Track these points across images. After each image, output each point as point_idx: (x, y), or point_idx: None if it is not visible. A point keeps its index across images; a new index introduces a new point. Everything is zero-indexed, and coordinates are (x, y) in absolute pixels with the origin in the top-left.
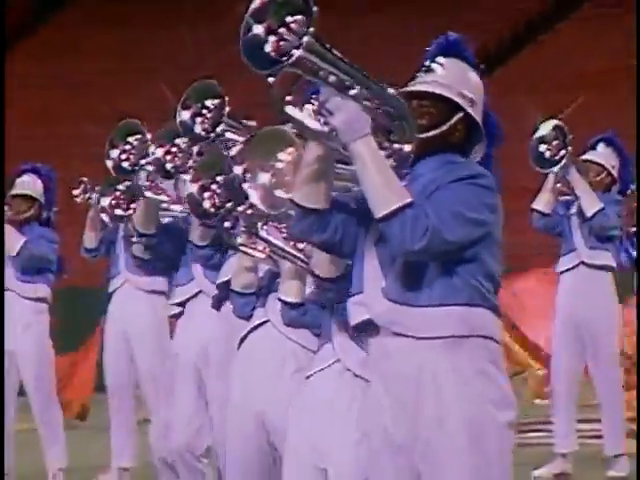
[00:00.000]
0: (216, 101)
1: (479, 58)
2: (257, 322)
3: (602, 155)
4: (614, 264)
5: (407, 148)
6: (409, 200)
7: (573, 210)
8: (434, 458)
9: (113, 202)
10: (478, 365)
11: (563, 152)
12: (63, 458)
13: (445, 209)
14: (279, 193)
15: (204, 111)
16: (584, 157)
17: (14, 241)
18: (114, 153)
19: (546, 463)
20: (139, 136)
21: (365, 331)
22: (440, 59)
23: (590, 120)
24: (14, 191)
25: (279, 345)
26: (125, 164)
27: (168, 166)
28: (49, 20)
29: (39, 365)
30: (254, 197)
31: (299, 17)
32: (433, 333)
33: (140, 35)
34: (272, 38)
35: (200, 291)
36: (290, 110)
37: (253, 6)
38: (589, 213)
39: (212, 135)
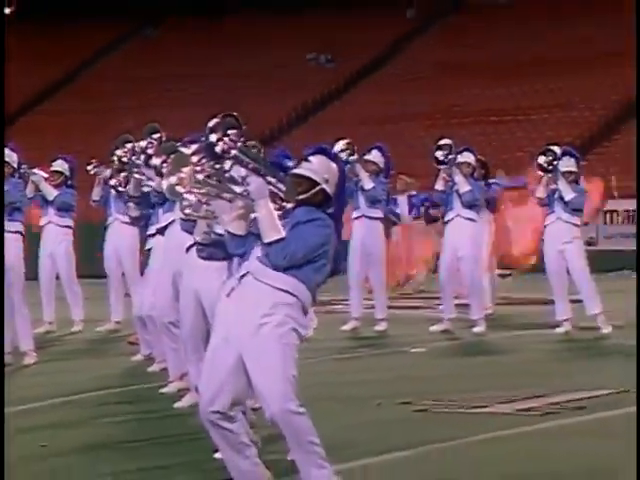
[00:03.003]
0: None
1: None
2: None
3: (374, 156)
4: (382, 216)
5: (289, 205)
6: (282, 235)
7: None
8: (255, 347)
9: (117, 182)
10: (292, 304)
11: (350, 158)
12: (82, 314)
13: (300, 239)
14: (179, 188)
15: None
16: (365, 157)
17: (51, 192)
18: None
19: (347, 322)
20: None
21: (243, 277)
22: (313, 156)
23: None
24: (52, 168)
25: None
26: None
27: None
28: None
29: (68, 261)
30: (164, 185)
31: (234, 130)
32: (275, 284)
33: None
34: (220, 143)
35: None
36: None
37: (210, 124)
38: (366, 187)
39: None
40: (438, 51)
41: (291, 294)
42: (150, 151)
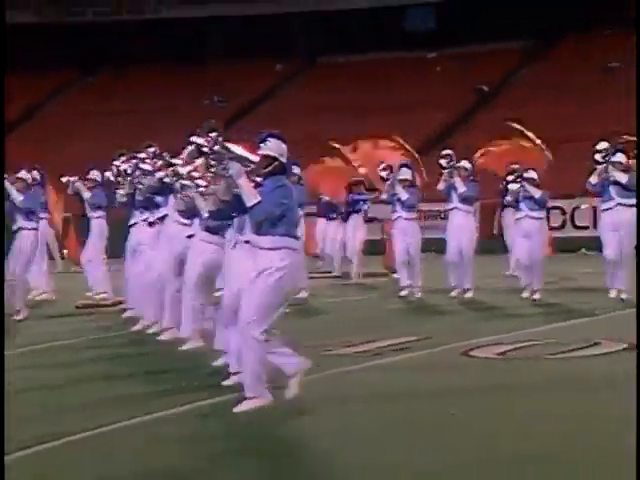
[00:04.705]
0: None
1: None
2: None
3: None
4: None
5: (258, 179)
6: (259, 199)
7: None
8: (250, 289)
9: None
10: (286, 256)
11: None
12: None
13: (273, 199)
14: (194, 173)
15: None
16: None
17: (17, 197)
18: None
19: None
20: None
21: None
22: (269, 138)
23: None
24: (18, 175)
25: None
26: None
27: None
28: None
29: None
30: (184, 171)
31: (215, 133)
32: (265, 245)
33: None
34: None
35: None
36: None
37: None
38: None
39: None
40: (299, 95)
41: (285, 248)
42: (147, 161)
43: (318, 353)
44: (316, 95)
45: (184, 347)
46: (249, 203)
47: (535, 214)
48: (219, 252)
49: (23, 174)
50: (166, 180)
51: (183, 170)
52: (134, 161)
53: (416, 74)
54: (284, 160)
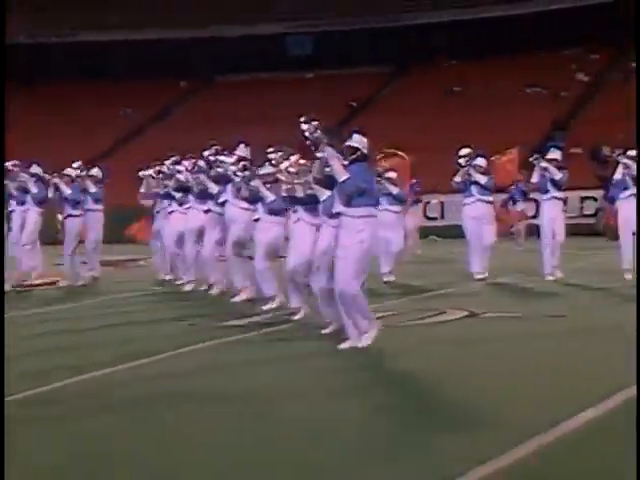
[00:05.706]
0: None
1: None
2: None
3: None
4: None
5: (345, 162)
6: (348, 176)
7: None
8: (345, 250)
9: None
10: (369, 224)
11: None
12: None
13: (360, 177)
14: (282, 166)
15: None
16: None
17: (65, 190)
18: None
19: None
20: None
21: (336, 215)
22: (354, 134)
23: None
24: (64, 172)
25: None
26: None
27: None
28: None
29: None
30: (283, 166)
31: (316, 122)
32: (355, 214)
33: None
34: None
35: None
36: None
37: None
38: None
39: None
40: (200, 108)
41: (371, 216)
42: (210, 158)
43: (211, 325)
44: (214, 108)
45: (267, 306)
46: (340, 179)
47: (393, 208)
48: (280, 229)
49: (69, 171)
50: (238, 173)
51: (282, 165)
52: (192, 160)
53: (296, 91)
54: (365, 151)
